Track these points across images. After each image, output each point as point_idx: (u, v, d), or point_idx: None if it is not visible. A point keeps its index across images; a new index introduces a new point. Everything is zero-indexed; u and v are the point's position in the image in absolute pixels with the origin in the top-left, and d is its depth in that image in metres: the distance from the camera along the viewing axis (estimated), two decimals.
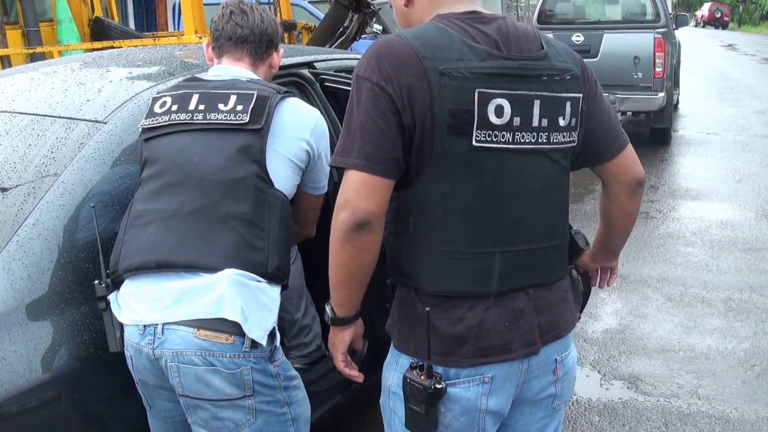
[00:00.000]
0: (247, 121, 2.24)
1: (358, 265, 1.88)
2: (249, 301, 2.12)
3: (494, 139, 1.82)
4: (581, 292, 2.36)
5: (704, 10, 53.62)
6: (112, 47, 6.86)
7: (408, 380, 1.88)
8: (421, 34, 1.85)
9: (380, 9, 8.22)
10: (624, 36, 10.11)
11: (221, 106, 2.27)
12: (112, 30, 8.60)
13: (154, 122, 2.32)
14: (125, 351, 2.18)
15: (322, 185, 2.54)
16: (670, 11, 11.89)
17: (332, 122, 3.27)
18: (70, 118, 2.67)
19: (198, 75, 2.49)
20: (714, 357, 4.50)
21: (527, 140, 1.86)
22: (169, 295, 2.12)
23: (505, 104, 1.82)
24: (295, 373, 2.31)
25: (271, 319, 2.18)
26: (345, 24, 7.48)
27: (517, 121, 1.84)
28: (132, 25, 16.96)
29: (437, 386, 1.85)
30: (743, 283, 5.73)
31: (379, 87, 1.79)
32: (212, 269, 2.12)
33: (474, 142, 1.81)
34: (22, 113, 2.81)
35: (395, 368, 1.98)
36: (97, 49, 6.61)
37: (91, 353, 2.23)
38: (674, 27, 11.31)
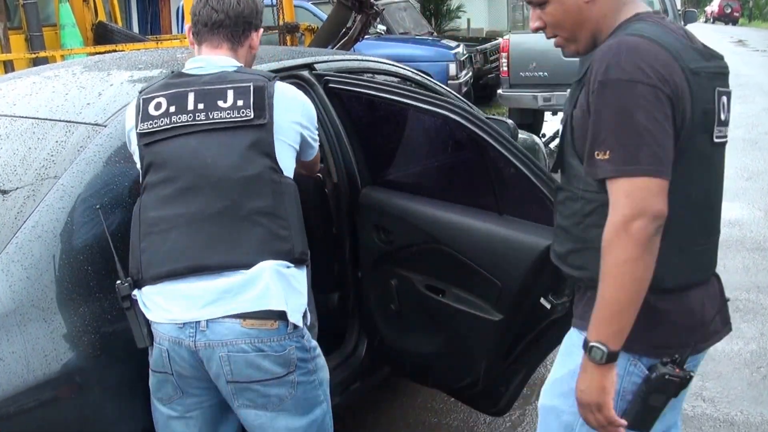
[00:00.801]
0: (252, 117, 2.27)
1: (649, 277, 1.83)
2: (286, 288, 2.23)
3: (723, 135, 1.96)
4: None
5: (714, 6, 53.25)
6: (114, 51, 6.87)
7: (665, 376, 1.90)
8: (655, 35, 1.87)
9: (383, 10, 8.21)
10: None
11: (221, 103, 2.28)
12: (115, 34, 8.61)
13: (154, 126, 2.29)
14: (158, 345, 2.24)
15: (315, 150, 2.59)
16: (679, 7, 11.84)
17: (332, 123, 3.26)
18: (70, 122, 2.67)
19: (182, 70, 2.43)
20: (719, 358, 4.45)
21: (724, 134, 1.98)
22: (207, 294, 2.19)
23: (725, 101, 1.95)
24: (315, 342, 2.41)
25: (303, 302, 2.30)
26: (348, 25, 7.48)
27: (725, 116, 1.96)
28: (136, 28, 17.00)
29: (692, 375, 1.94)
30: (750, 283, 5.67)
31: (658, 89, 1.79)
32: (246, 265, 2.20)
33: (714, 139, 1.92)
34: (23, 117, 2.81)
35: (622, 377, 1.95)
36: (100, 53, 6.62)
37: (89, 354, 2.23)
38: (683, 23, 11.29)
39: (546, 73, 9.86)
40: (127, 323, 2.28)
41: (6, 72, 7.54)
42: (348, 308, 3.37)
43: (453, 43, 12.39)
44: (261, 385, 2.24)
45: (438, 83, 4.61)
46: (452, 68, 11.21)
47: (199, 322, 2.17)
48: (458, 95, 4.73)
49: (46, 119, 2.74)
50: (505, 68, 10.19)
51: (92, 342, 2.25)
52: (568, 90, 2.11)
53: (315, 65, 3.46)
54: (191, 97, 2.30)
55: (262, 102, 2.29)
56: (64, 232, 2.31)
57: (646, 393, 1.92)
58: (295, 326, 2.25)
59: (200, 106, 2.29)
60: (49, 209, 2.33)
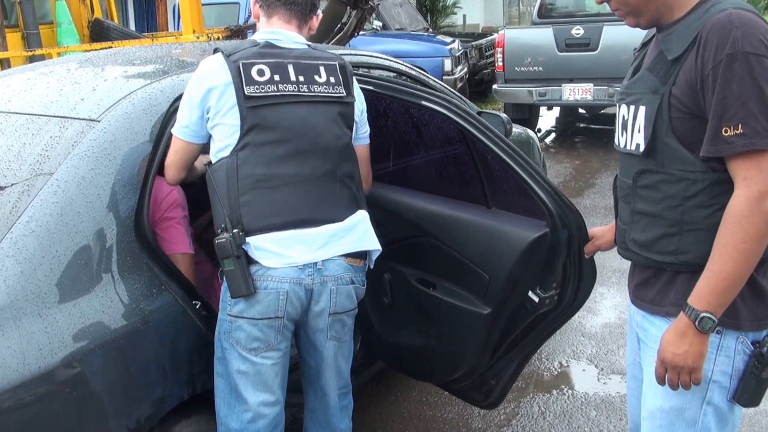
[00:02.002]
0: (345, 94, 2.65)
1: (762, 252, 1.88)
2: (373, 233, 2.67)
3: None
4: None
5: None
6: (110, 48, 6.88)
7: None
8: (752, 10, 1.91)
9: (379, 5, 8.21)
10: (624, 28, 10.04)
11: (317, 78, 2.60)
12: (111, 31, 8.62)
13: (261, 91, 2.51)
14: (273, 291, 2.48)
15: (367, 134, 2.88)
16: None
17: None
18: (64, 117, 2.69)
19: (268, 40, 2.62)
20: None
21: None
22: (319, 239, 2.53)
23: None
24: None
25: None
26: (343, 20, 7.48)
27: None
28: (132, 26, 17.00)
29: None
30: None
31: None
32: (342, 219, 2.58)
33: None
34: (17, 113, 2.83)
35: (717, 354, 2.00)
36: (96, 50, 6.63)
37: (84, 348, 2.24)
38: None
39: (541, 68, 9.86)
40: (124, 317, 2.34)
41: (2, 70, 7.54)
42: None
43: (448, 39, 12.42)
44: (347, 315, 2.68)
45: (433, 78, 4.62)
46: (447, 64, 11.24)
47: (316, 262, 2.51)
48: (453, 90, 4.73)
49: (41, 115, 2.75)
50: (500, 63, 10.18)
51: (88, 335, 2.26)
52: (644, 63, 2.10)
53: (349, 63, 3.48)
54: (291, 69, 2.57)
55: (348, 81, 2.68)
56: (58, 227, 2.33)
57: (760, 368, 1.97)
58: (367, 263, 2.69)
59: (301, 78, 2.57)
60: (43, 204, 2.34)
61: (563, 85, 9.68)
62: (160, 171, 2.71)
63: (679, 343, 1.94)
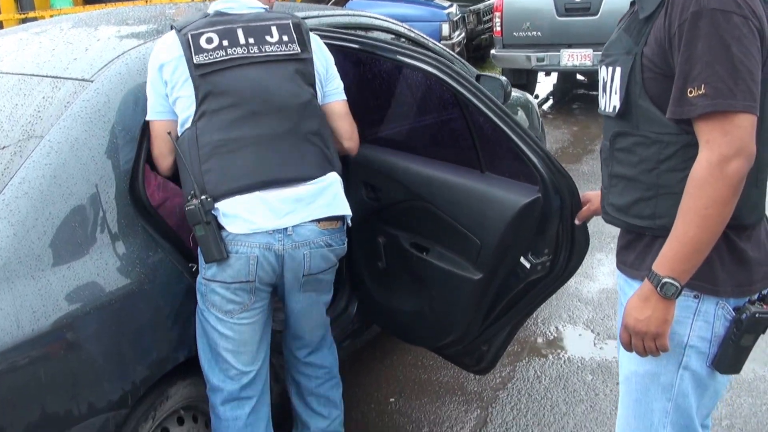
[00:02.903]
0: (299, 51, 2.64)
1: (729, 217, 1.82)
2: (344, 195, 2.69)
3: None
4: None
5: None
6: (104, 8, 6.80)
7: (755, 315, 1.91)
8: None
9: None
10: None
11: (268, 38, 2.61)
12: None
13: (210, 58, 2.53)
14: (244, 255, 2.50)
15: (341, 89, 2.85)
16: None
17: None
18: (56, 77, 2.67)
19: (218, 9, 2.66)
20: None
21: None
22: (286, 204, 2.53)
23: None
24: None
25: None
26: None
27: None
28: None
29: None
30: None
31: (749, 20, 1.74)
32: (311, 178, 2.58)
33: None
34: (9, 73, 2.80)
35: (694, 319, 1.97)
36: (89, 11, 6.56)
37: (79, 310, 2.24)
38: None
39: (539, 33, 9.75)
40: (119, 279, 2.37)
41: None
42: (340, 267, 3.40)
43: (446, 4, 12.28)
44: (324, 273, 2.70)
45: (432, 41, 4.58)
46: (445, 28, 11.14)
47: (286, 228, 2.52)
48: (453, 53, 4.69)
49: (33, 75, 2.73)
50: (499, 28, 10.06)
51: (82, 299, 2.26)
52: (619, 25, 2.06)
53: (305, 20, 3.44)
54: (240, 32, 2.59)
55: (303, 37, 2.67)
56: (50, 188, 2.31)
57: (738, 335, 1.94)
58: (345, 224, 2.71)
59: (251, 40, 2.58)
60: (36, 166, 2.33)
61: (562, 50, 9.58)
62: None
63: (641, 308, 1.91)
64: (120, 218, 2.47)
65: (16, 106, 2.58)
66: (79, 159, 2.41)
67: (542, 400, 3.74)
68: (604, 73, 2.07)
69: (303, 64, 2.64)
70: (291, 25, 2.65)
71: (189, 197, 2.49)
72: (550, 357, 4.14)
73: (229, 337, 2.60)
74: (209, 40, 2.55)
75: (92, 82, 2.59)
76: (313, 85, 2.66)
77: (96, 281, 2.33)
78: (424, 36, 4.50)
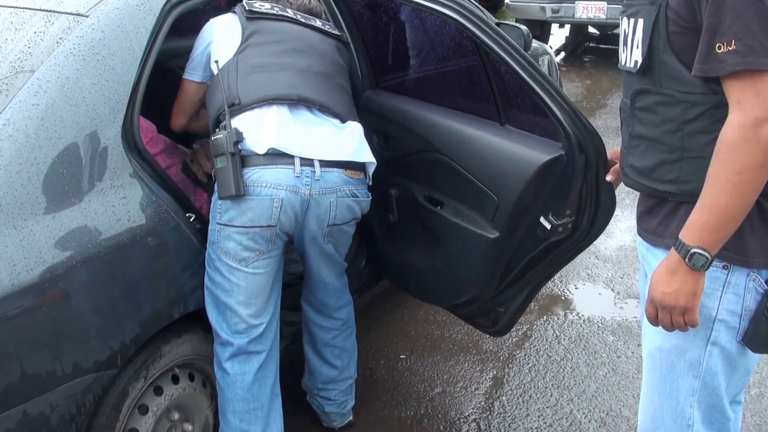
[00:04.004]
0: (340, 34, 2.91)
1: (763, 184, 1.66)
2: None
3: None
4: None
5: None
6: None
7: None
8: None
9: None
10: None
11: (315, 21, 2.83)
12: None
13: (260, 8, 2.74)
14: (267, 197, 2.42)
15: None
16: None
17: (332, 21, 3.08)
18: (50, 11, 2.50)
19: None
20: None
21: None
22: (322, 139, 2.54)
23: None
24: None
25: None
26: None
27: None
28: None
29: None
30: None
31: None
32: (340, 117, 2.62)
33: None
34: (1, 6, 2.62)
35: (723, 291, 1.82)
36: None
37: (64, 263, 2.09)
38: None
39: None
40: (108, 230, 2.22)
41: None
42: None
43: None
44: (347, 225, 2.68)
45: None
46: None
47: (314, 171, 2.47)
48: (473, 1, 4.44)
49: (25, 8, 2.56)
50: None
51: (68, 251, 2.12)
52: None
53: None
54: (291, 10, 2.82)
55: (340, 29, 2.99)
56: (38, 131, 2.16)
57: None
58: (368, 178, 2.68)
59: (299, 16, 2.80)
60: (22, 106, 2.16)
61: (577, 2, 9.30)
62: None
63: (669, 281, 1.74)
64: (111, 165, 2.31)
65: (6, 41, 2.41)
66: (69, 100, 2.25)
67: (562, 362, 3.59)
68: (625, 25, 1.88)
69: (343, 44, 2.88)
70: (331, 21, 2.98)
71: (218, 129, 2.49)
72: (570, 316, 3.99)
73: (242, 288, 2.51)
74: (262, 5, 2.76)
75: (87, 17, 2.42)
76: (345, 65, 2.84)
77: (83, 232, 2.18)
78: None
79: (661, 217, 1.86)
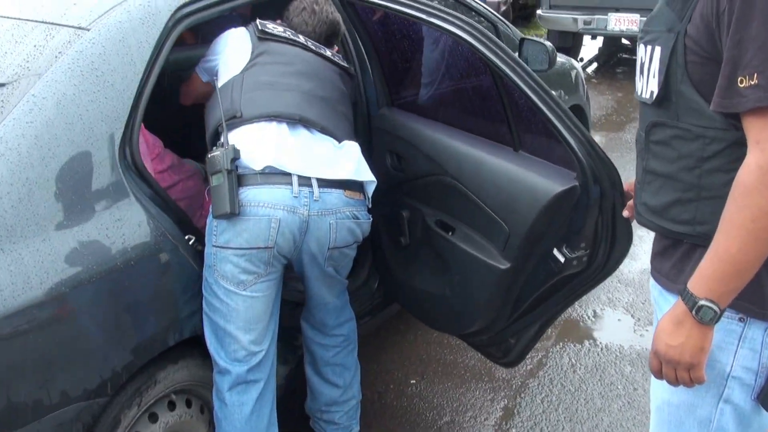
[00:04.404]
0: (348, 66, 2.90)
1: None
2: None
3: None
4: None
5: None
6: None
7: None
8: None
9: None
10: None
11: (323, 51, 2.81)
12: None
13: (274, 30, 2.75)
14: (265, 217, 2.35)
15: None
16: None
17: (348, 35, 3.00)
18: (52, 24, 2.42)
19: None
20: None
21: None
22: (321, 157, 2.49)
23: None
24: None
25: None
26: None
27: None
28: None
29: None
30: None
31: None
32: (338, 139, 2.57)
33: None
34: (3, 17, 2.55)
35: (739, 346, 1.66)
36: None
37: (53, 289, 2.01)
38: None
39: None
40: (101, 254, 2.13)
41: None
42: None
43: None
44: (349, 248, 2.61)
45: (478, 1, 4.23)
46: None
47: (312, 191, 2.40)
48: (495, 13, 4.34)
49: (28, 20, 2.48)
50: None
51: (58, 276, 2.03)
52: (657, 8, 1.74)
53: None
54: (302, 37, 2.80)
55: (350, 62, 2.99)
56: (31, 150, 2.07)
57: None
58: (367, 199, 2.60)
59: (310, 43, 2.79)
60: (16, 124, 2.09)
61: (609, 14, 9.15)
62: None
63: (674, 333, 1.61)
64: (107, 185, 2.23)
65: (5, 54, 2.34)
66: (65, 117, 2.17)
67: (576, 392, 3.47)
68: (642, 52, 1.76)
69: (350, 76, 2.89)
70: (341, 55, 2.94)
71: (215, 147, 2.43)
72: (587, 343, 3.86)
73: (240, 312, 2.43)
74: (274, 27, 2.76)
75: (88, 30, 2.34)
76: (350, 97, 2.86)
77: (75, 256, 2.09)
78: None
79: (675, 260, 1.73)
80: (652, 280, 1.84)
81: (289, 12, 2.91)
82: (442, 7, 2.45)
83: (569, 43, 10.05)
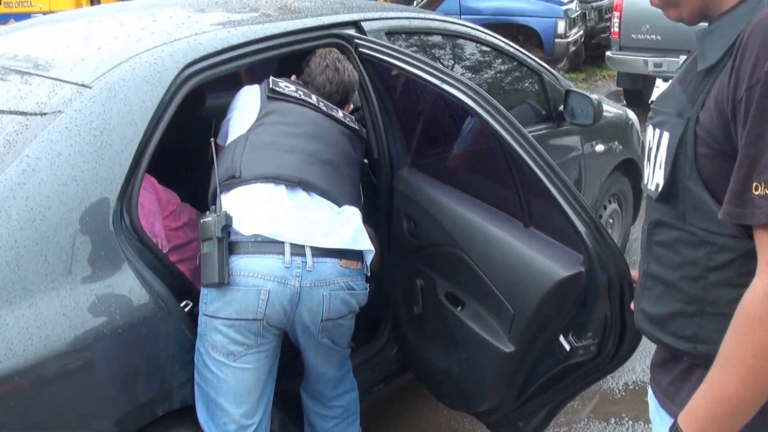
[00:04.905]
0: (359, 128, 2.79)
1: None
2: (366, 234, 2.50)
3: None
4: None
5: None
6: None
7: None
8: None
9: None
10: None
11: (335, 113, 2.73)
12: None
13: (284, 89, 2.68)
14: (254, 287, 2.26)
15: None
16: None
17: (366, 93, 2.94)
18: (57, 80, 2.38)
19: None
20: None
21: None
22: (317, 225, 2.38)
23: None
24: None
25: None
26: None
27: None
28: None
29: None
30: None
31: None
32: (338, 203, 2.48)
33: None
34: (16, 70, 2.53)
35: None
36: None
37: (36, 358, 1.94)
38: None
39: (659, 37, 9.07)
40: (89, 321, 2.06)
41: (92, 5, 7.35)
42: (382, 303, 3.07)
43: None
44: (344, 319, 2.47)
45: (518, 48, 4.10)
46: (561, 26, 10.51)
47: (305, 261, 2.30)
48: (544, 65, 4.20)
49: (37, 75, 2.45)
50: (617, 29, 9.44)
51: (42, 344, 1.96)
52: (678, 71, 1.56)
53: (362, 23, 3.06)
54: (314, 97, 2.73)
55: (361, 126, 2.86)
56: (21, 213, 2.01)
57: None
58: (365, 268, 2.48)
59: (321, 105, 2.71)
60: (6, 185, 2.03)
61: (681, 57, 8.87)
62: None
63: None
64: (99, 250, 2.15)
65: (8, 110, 2.29)
66: (58, 179, 2.11)
67: None
68: (650, 135, 1.57)
69: (359, 139, 2.79)
70: (353, 117, 2.85)
71: (209, 211, 2.36)
72: (613, 421, 3.64)
73: (230, 384, 2.33)
74: (286, 86, 2.70)
75: (90, 88, 2.29)
76: (360, 161, 2.78)
77: (61, 322, 2.01)
78: (510, 44, 4.04)
79: (674, 376, 1.54)
80: (650, 390, 1.66)
81: (311, 69, 2.85)
82: (448, 71, 2.37)
83: (639, 85, 9.86)
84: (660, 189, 1.50)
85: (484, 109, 2.25)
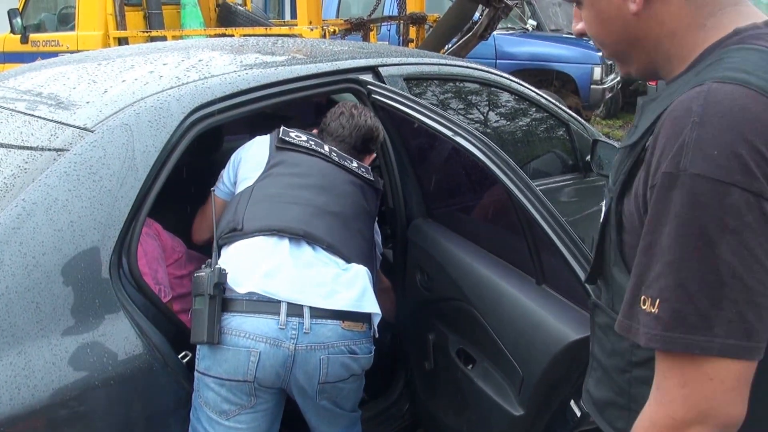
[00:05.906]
0: (373, 179, 2.67)
1: None
2: (374, 295, 2.38)
3: None
4: None
5: None
6: (224, 35, 6.59)
7: None
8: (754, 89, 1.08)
9: (517, 4, 7.53)
10: None
11: (348, 163, 2.63)
12: (238, 16, 8.30)
13: (294, 139, 2.62)
14: (244, 348, 2.17)
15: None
16: None
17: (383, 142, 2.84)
18: (60, 123, 2.33)
19: None
20: None
21: None
22: (319, 284, 2.26)
23: None
24: None
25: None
26: (474, 19, 6.88)
27: None
28: (288, 14, 16.80)
29: None
30: None
31: (763, 199, 1.04)
32: (346, 258, 2.36)
33: None
34: (20, 112, 2.49)
35: None
36: (209, 35, 6.38)
37: (20, 411, 1.87)
38: None
39: None
40: (80, 373, 1.99)
41: (120, 45, 7.41)
42: (399, 355, 3.00)
43: None
44: (344, 382, 2.32)
45: (548, 98, 4.03)
46: (597, 72, 10.38)
47: (302, 322, 2.18)
48: (572, 113, 4.12)
49: (40, 117, 2.40)
50: None
51: (29, 396, 1.89)
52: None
53: (380, 68, 2.99)
54: (327, 147, 2.65)
55: (377, 177, 2.73)
56: (13, 260, 1.96)
57: None
58: (372, 330, 2.35)
59: (334, 155, 2.62)
60: (0, 230, 1.97)
61: None
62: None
63: None
64: (93, 298, 2.08)
65: (8, 153, 2.25)
66: (54, 224, 2.05)
67: None
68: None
69: (374, 190, 2.66)
70: (369, 167, 2.71)
71: (205, 265, 2.27)
72: None
73: None
74: (297, 136, 2.64)
75: (92, 132, 2.24)
76: (374, 212, 2.65)
77: (50, 372, 1.95)
78: (534, 90, 3.96)
79: None
80: None
81: (327, 117, 2.80)
82: (459, 122, 2.29)
83: None
84: (589, 270, 1.39)
85: (493, 162, 2.16)
